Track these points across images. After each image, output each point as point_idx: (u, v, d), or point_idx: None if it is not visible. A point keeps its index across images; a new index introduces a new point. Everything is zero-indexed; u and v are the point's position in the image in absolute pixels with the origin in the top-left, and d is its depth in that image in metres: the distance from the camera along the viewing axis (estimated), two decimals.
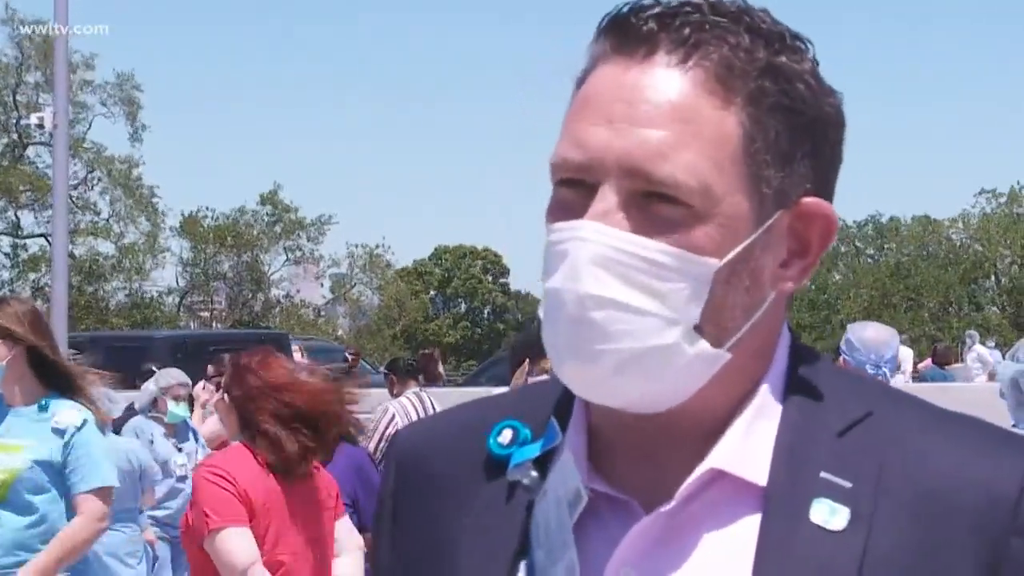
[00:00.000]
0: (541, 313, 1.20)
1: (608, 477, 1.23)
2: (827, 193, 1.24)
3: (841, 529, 1.16)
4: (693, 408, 1.21)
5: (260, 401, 4.49)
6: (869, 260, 53.77)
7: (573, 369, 1.19)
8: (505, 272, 65.26)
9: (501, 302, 64.27)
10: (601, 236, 1.15)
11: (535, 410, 1.29)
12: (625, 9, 1.21)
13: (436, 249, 64.62)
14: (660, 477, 1.21)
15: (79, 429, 4.75)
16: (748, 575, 1.16)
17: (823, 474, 1.18)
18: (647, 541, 1.19)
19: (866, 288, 49.87)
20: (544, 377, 7.54)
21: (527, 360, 7.31)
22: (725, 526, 1.19)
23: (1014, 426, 4.68)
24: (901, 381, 15.56)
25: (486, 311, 65.26)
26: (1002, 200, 50.21)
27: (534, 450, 1.26)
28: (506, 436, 1.28)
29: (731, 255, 1.17)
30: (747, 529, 1.18)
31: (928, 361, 21.10)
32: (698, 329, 1.17)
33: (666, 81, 1.17)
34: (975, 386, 16.45)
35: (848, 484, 1.17)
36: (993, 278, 51.44)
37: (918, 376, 19.42)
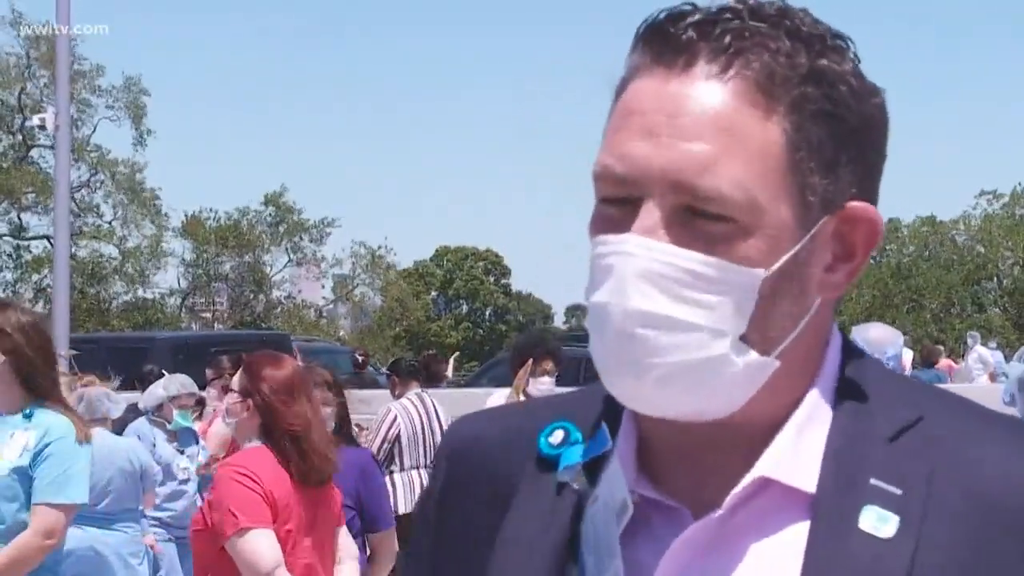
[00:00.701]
0: (588, 326, 1.19)
1: (658, 484, 1.22)
2: (871, 195, 1.22)
3: (891, 537, 1.14)
4: (742, 415, 1.19)
5: (287, 404, 4.48)
6: (871, 261, 53.70)
7: (621, 383, 1.18)
8: (507, 273, 65.31)
9: (502, 303, 64.30)
10: (647, 251, 1.14)
11: (587, 414, 1.28)
12: (663, 17, 1.19)
13: (438, 250, 64.64)
14: (709, 485, 1.20)
15: (56, 440, 4.62)
16: None
17: (873, 480, 1.17)
18: (694, 549, 1.18)
19: (868, 289, 49.81)
20: (546, 378, 7.57)
21: (530, 361, 7.32)
22: (773, 534, 1.18)
23: None
24: None
25: (487, 312, 65.28)
26: (1004, 201, 50.19)
27: (583, 455, 1.25)
28: (557, 436, 1.27)
29: (777, 265, 1.16)
30: (796, 537, 1.17)
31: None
32: (745, 339, 1.16)
33: (707, 92, 1.15)
34: (975, 387, 16.44)
35: (898, 491, 1.16)
36: (995, 279, 51.40)
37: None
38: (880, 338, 5.55)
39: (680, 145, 1.15)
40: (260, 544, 4.29)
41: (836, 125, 1.18)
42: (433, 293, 62.88)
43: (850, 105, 1.18)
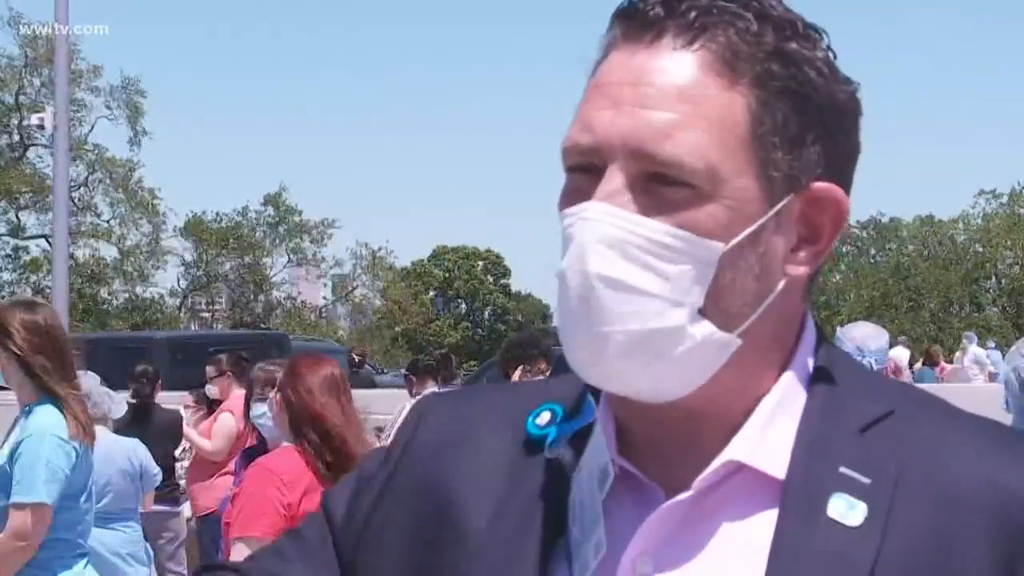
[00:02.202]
0: (554, 300, 1.20)
1: (633, 462, 1.23)
2: (841, 181, 1.23)
3: (858, 525, 1.15)
4: (713, 399, 1.20)
5: (321, 404, 4.52)
6: (871, 260, 53.75)
7: (580, 352, 1.18)
8: (506, 273, 65.34)
9: (502, 303, 64.31)
10: (606, 216, 1.15)
11: (572, 395, 1.29)
12: None
13: (435, 250, 64.65)
14: (682, 468, 1.21)
15: (27, 439, 4.54)
16: (763, 567, 1.16)
17: (842, 469, 1.18)
18: (665, 529, 1.19)
19: (867, 288, 49.85)
20: (540, 379, 7.54)
21: (520, 367, 7.27)
22: (743, 518, 1.19)
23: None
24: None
25: (487, 312, 65.28)
26: (1003, 201, 50.21)
27: (570, 427, 1.26)
28: (544, 418, 1.28)
29: (738, 238, 1.17)
30: (765, 521, 1.18)
31: (920, 363, 21.18)
32: (703, 312, 1.17)
33: (672, 63, 1.17)
34: (973, 387, 16.44)
35: (867, 480, 1.17)
36: (994, 279, 51.42)
37: (915, 377, 19.40)
38: (863, 335, 5.56)
39: (642, 113, 1.16)
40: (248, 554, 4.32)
41: (801, 103, 1.19)
42: (431, 293, 62.88)
43: (817, 86, 1.19)
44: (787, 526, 1.16)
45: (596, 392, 1.26)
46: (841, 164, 1.23)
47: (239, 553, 4.29)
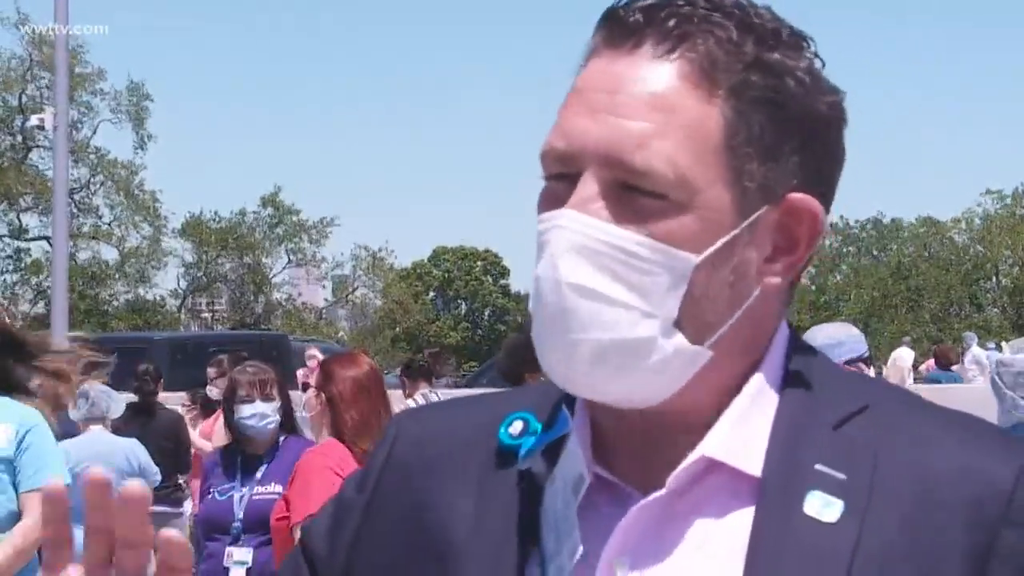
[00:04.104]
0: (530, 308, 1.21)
1: (609, 467, 1.23)
2: (821, 191, 1.22)
3: (834, 521, 1.15)
4: (681, 402, 1.20)
5: (358, 402, 4.71)
6: (871, 261, 53.73)
7: (553, 359, 1.18)
8: (506, 273, 65.27)
9: (502, 303, 64.24)
10: (578, 224, 1.15)
11: (545, 404, 1.29)
12: (619, 2, 1.22)
13: (435, 250, 64.63)
14: (657, 468, 1.20)
15: (32, 428, 4.67)
16: (741, 565, 1.15)
17: (818, 466, 1.18)
18: (641, 529, 1.19)
19: (867, 289, 49.85)
20: (510, 388, 7.47)
21: (526, 374, 7.17)
22: (719, 516, 1.19)
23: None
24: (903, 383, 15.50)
25: (486, 312, 65.25)
26: (1006, 201, 50.20)
27: (545, 438, 1.26)
28: (517, 427, 1.28)
29: (711, 249, 1.16)
30: (741, 519, 1.18)
31: (931, 363, 20.97)
32: (677, 324, 1.17)
33: (649, 72, 1.17)
34: (972, 387, 16.43)
35: (843, 476, 1.17)
36: (994, 279, 51.42)
37: (921, 378, 19.33)
38: (832, 332, 5.55)
39: (617, 121, 1.16)
40: None
41: (778, 114, 1.18)
42: (431, 293, 62.85)
43: (795, 97, 1.19)
44: (764, 523, 1.16)
45: (571, 401, 1.26)
46: (821, 174, 1.23)
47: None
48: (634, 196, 1.16)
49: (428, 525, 1.27)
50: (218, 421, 9.28)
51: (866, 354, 5.44)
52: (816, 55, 1.22)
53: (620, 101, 1.17)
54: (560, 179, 1.20)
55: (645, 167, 1.15)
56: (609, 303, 1.15)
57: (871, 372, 5.61)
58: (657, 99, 1.16)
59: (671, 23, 1.18)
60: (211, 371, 10.08)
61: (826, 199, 1.23)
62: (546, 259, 1.16)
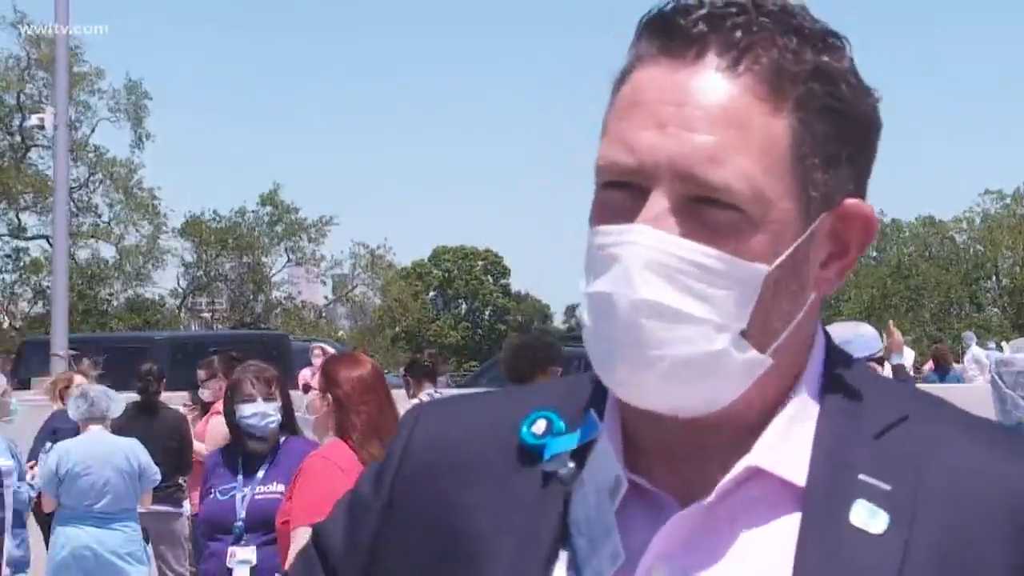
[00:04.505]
0: (586, 317, 1.18)
1: (642, 473, 1.22)
2: (864, 193, 1.23)
3: (881, 533, 1.15)
4: (730, 410, 1.19)
5: (364, 402, 4.71)
6: (870, 260, 53.71)
7: (624, 375, 1.17)
8: (506, 273, 65.28)
9: (502, 303, 64.27)
10: (654, 240, 1.14)
11: (569, 403, 1.28)
12: (669, 8, 1.19)
13: (435, 250, 64.62)
14: (694, 476, 1.20)
15: None
16: (788, 574, 1.15)
17: (862, 476, 1.17)
18: (683, 535, 1.18)
19: (867, 288, 49.83)
20: (529, 385, 7.41)
21: (551, 368, 7.13)
22: (763, 524, 1.18)
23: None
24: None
25: (487, 312, 65.24)
26: (1007, 201, 50.19)
27: (572, 441, 1.24)
28: (540, 426, 1.26)
29: (780, 259, 1.16)
30: (785, 528, 1.17)
31: (931, 364, 20.93)
32: (744, 334, 1.16)
33: (717, 85, 1.15)
34: (973, 387, 16.42)
35: (887, 487, 1.17)
36: (994, 278, 51.41)
37: (922, 378, 19.29)
38: (839, 331, 5.51)
39: (689, 136, 1.14)
40: None
41: (839, 121, 1.18)
42: (432, 293, 62.84)
43: (851, 102, 1.19)
44: (810, 534, 1.15)
45: (598, 402, 1.25)
46: (866, 177, 1.23)
47: (299, 540, 4.42)
48: (704, 209, 1.15)
49: (452, 526, 1.25)
50: (209, 422, 9.28)
51: (878, 353, 5.40)
52: (851, 54, 1.21)
53: (690, 114, 1.15)
54: (620, 188, 1.18)
55: (723, 183, 1.14)
56: (684, 319, 1.14)
57: (886, 371, 5.54)
58: (728, 113, 1.15)
59: (737, 34, 1.16)
60: (201, 373, 10.08)
61: (864, 196, 1.23)
62: (618, 275, 1.14)
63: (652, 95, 1.17)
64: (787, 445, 1.19)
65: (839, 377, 1.24)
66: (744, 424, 1.20)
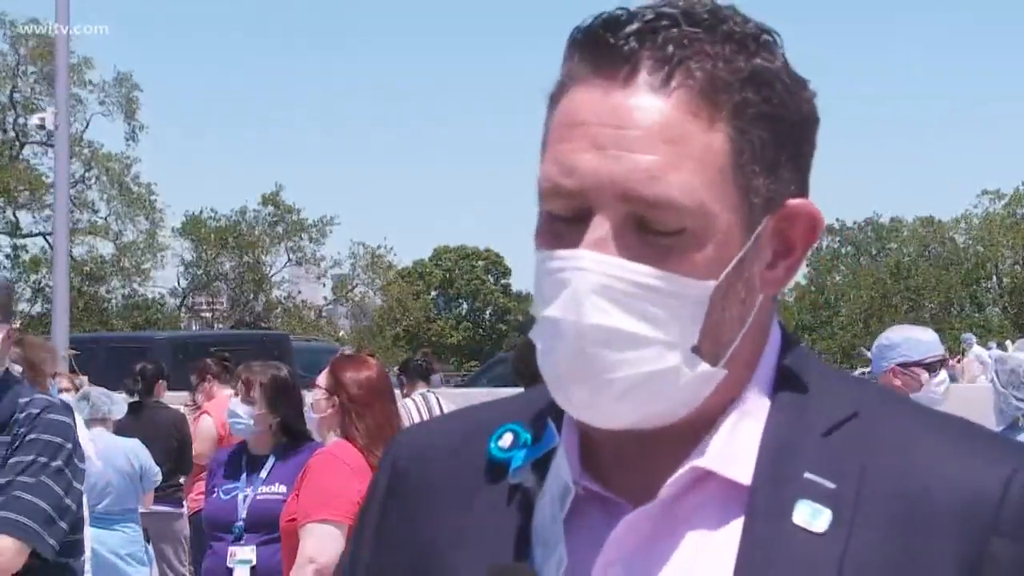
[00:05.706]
0: (537, 342, 1.19)
1: (600, 479, 1.23)
2: (807, 190, 1.23)
3: (823, 531, 1.15)
4: (683, 418, 1.20)
5: (370, 403, 4.75)
6: (870, 261, 53.74)
7: (575, 397, 1.18)
8: (507, 273, 65.25)
9: (503, 303, 64.24)
10: (600, 265, 1.15)
11: (534, 414, 1.29)
12: (598, 24, 1.19)
13: (436, 250, 64.61)
14: (649, 479, 1.20)
15: None
16: (730, 574, 1.15)
17: (807, 474, 1.18)
18: (633, 539, 1.19)
19: (866, 289, 49.86)
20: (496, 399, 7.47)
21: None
22: (711, 526, 1.19)
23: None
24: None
25: (488, 312, 65.23)
26: (1005, 201, 50.21)
27: (533, 453, 1.26)
28: (507, 440, 1.28)
29: (726, 271, 1.17)
30: (733, 529, 1.18)
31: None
32: (696, 349, 1.17)
33: (652, 103, 1.15)
34: (973, 387, 16.43)
35: (832, 485, 1.17)
36: (994, 279, 51.43)
37: None
38: (888, 334, 5.18)
39: (628, 157, 1.14)
40: (328, 539, 4.49)
41: (777, 126, 1.18)
42: (433, 293, 62.82)
43: (787, 104, 1.19)
44: (753, 533, 1.16)
45: (556, 413, 1.25)
46: (808, 173, 1.23)
47: (310, 536, 4.48)
48: (648, 230, 1.15)
49: (427, 548, 1.28)
50: (198, 423, 9.31)
51: (927, 359, 4.96)
52: (783, 49, 1.21)
53: (628, 135, 1.15)
54: (564, 215, 1.18)
55: (665, 200, 1.14)
56: (635, 341, 1.15)
57: (941, 376, 5.01)
58: (665, 130, 1.15)
59: (669, 49, 1.15)
60: (193, 377, 10.11)
61: (807, 194, 1.23)
62: (567, 301, 1.15)
63: (589, 116, 1.17)
64: (734, 444, 1.20)
65: (791, 374, 1.24)
66: (697, 426, 1.20)
